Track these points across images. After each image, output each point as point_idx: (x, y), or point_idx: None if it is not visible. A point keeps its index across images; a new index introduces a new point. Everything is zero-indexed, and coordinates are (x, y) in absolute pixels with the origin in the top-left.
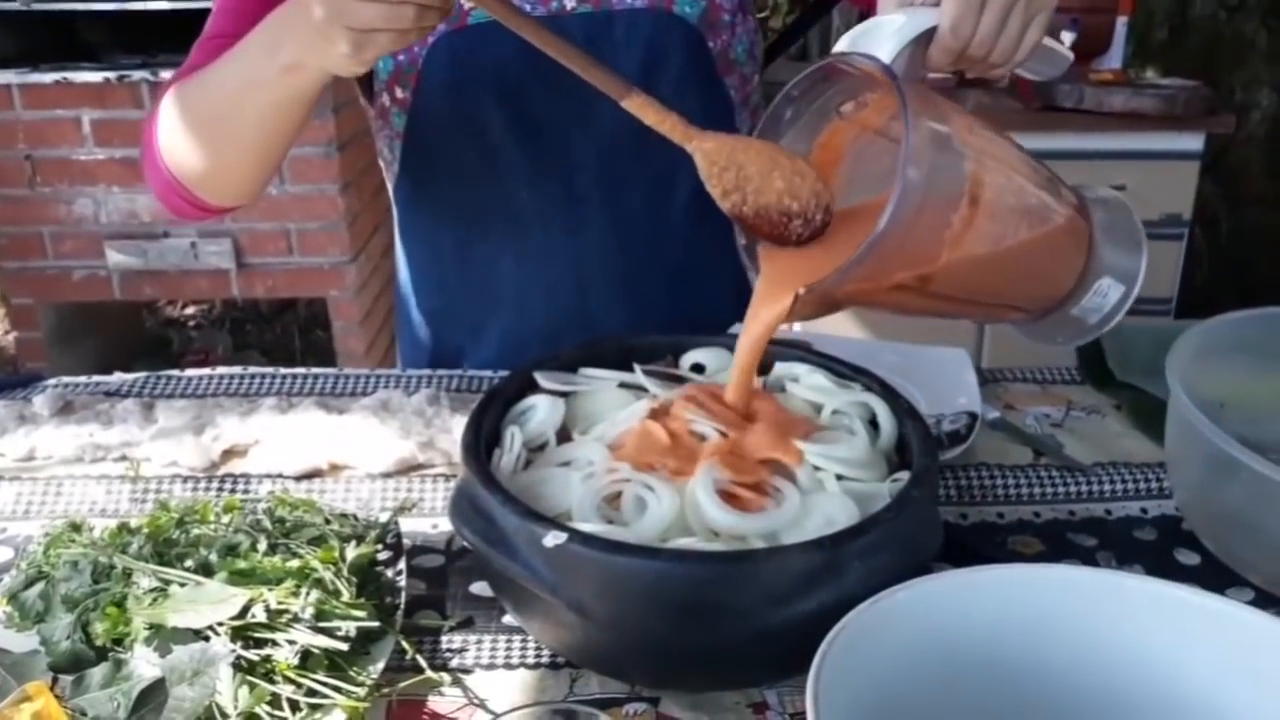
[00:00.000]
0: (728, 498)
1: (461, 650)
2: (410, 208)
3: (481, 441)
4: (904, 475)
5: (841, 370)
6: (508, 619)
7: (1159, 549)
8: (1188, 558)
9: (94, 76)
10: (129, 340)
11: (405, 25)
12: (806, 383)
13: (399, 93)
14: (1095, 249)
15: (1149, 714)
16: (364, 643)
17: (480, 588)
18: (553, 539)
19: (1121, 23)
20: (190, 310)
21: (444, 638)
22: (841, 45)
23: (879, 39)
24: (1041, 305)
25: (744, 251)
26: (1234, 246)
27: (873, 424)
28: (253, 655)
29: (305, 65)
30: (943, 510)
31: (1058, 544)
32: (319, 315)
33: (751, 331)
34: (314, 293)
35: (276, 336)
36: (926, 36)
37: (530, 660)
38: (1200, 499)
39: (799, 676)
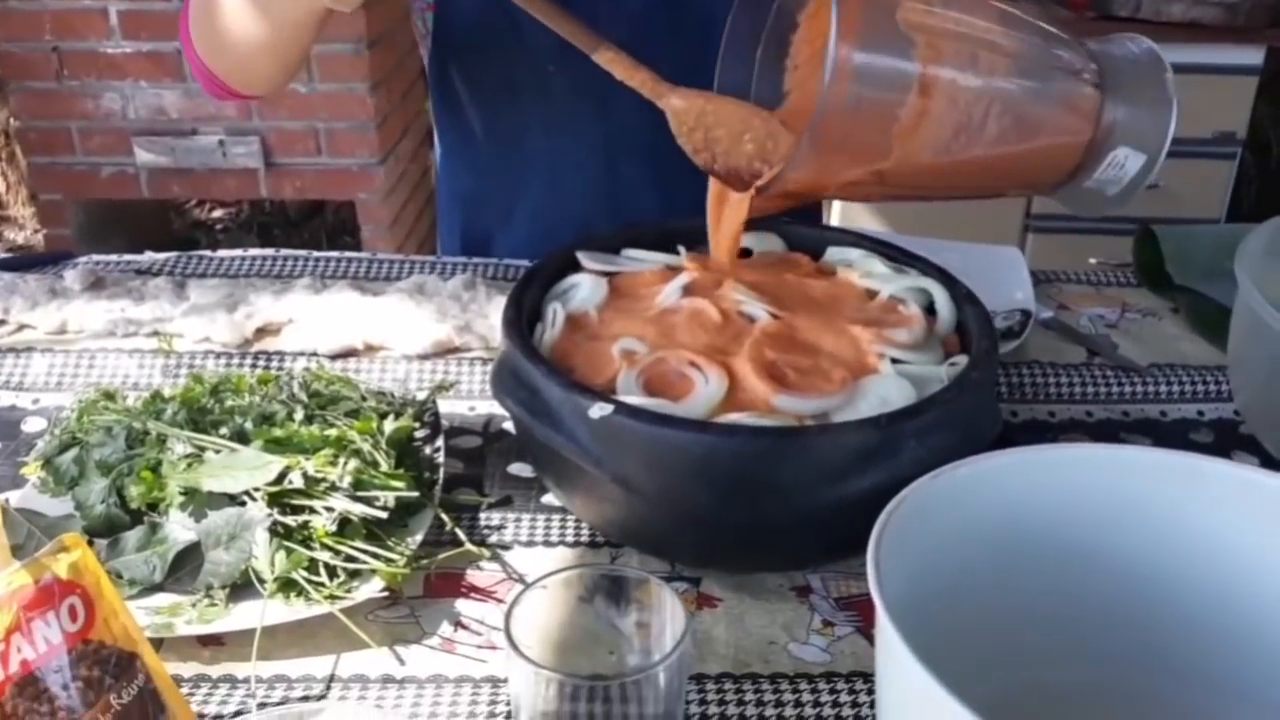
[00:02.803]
0: (778, 378)
1: (500, 527)
2: (442, 84)
3: (523, 316)
4: (961, 359)
5: (897, 255)
6: (547, 499)
7: (1216, 451)
8: (1246, 461)
9: None
10: (156, 243)
11: None
12: (861, 268)
13: None
14: (1104, 118)
15: (1216, 598)
16: (402, 515)
17: (519, 468)
18: (598, 410)
19: None
20: (218, 214)
21: (482, 515)
22: None
23: None
24: (1040, 185)
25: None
26: None
27: (929, 310)
28: (290, 521)
29: None
30: None
31: (1110, 444)
32: (346, 221)
33: (725, 229)
34: (343, 195)
35: (304, 241)
36: None
37: (570, 539)
38: (1264, 399)
39: (844, 561)
